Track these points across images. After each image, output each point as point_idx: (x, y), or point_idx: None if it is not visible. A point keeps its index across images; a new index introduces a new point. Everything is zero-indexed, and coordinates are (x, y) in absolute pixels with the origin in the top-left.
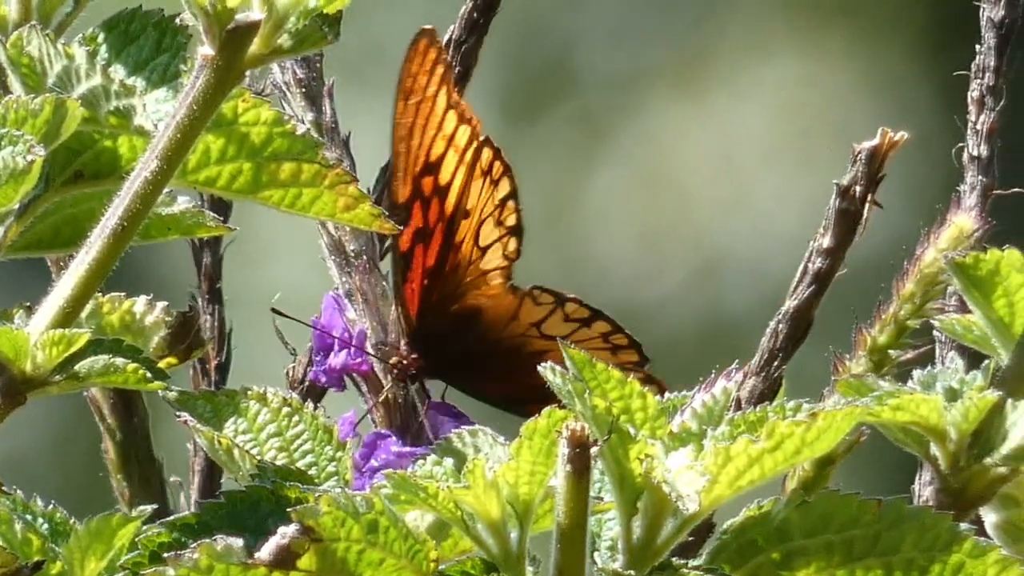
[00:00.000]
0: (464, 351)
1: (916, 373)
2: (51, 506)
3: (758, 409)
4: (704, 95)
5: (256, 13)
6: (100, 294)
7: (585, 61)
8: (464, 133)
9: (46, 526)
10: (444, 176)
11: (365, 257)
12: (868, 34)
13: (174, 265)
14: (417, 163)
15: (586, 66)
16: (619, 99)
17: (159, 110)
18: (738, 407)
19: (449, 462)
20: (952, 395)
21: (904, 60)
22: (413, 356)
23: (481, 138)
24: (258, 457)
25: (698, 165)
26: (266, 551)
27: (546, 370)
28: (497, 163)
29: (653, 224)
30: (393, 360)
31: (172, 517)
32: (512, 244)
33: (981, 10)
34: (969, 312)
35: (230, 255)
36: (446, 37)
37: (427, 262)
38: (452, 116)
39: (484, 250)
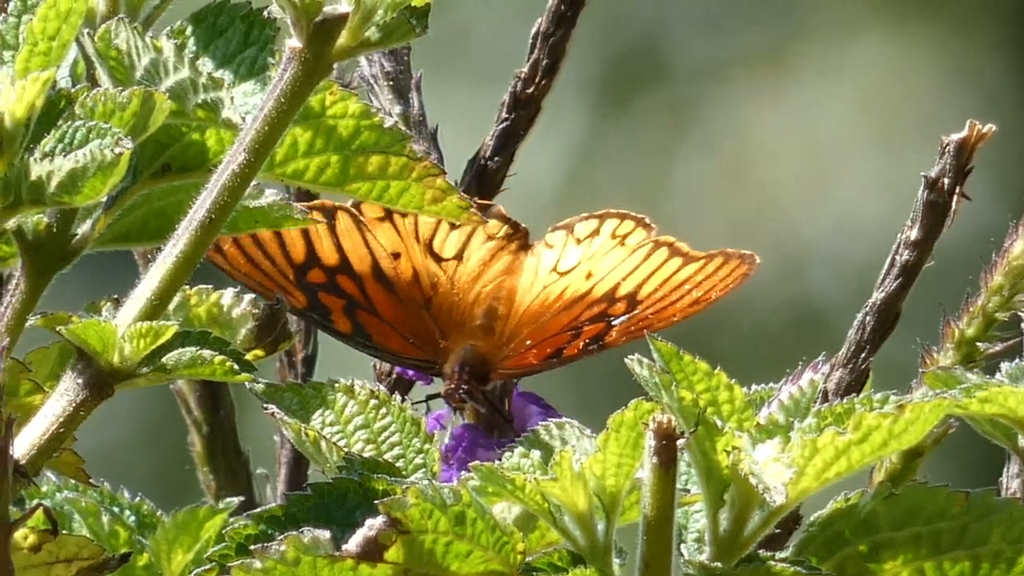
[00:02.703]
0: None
1: (1004, 365)
2: (138, 498)
3: (845, 401)
4: (790, 84)
5: (344, 6)
6: (187, 286)
7: (672, 51)
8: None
9: (133, 518)
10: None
11: None
12: (955, 25)
13: None
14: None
15: (673, 56)
16: (706, 88)
17: (247, 103)
18: (825, 399)
19: (536, 454)
20: None
21: (992, 51)
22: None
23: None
24: (345, 449)
25: (785, 155)
26: (353, 543)
27: (633, 362)
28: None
29: (740, 214)
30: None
31: (259, 509)
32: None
33: None
34: None
35: None
36: (533, 29)
37: None
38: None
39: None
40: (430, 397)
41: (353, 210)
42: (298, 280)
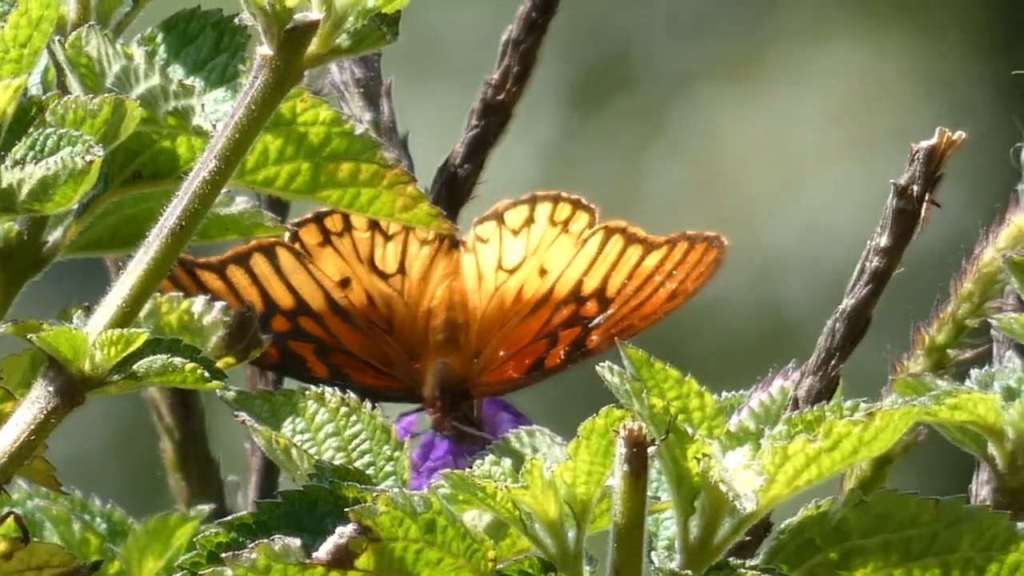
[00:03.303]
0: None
1: (974, 372)
2: (109, 506)
3: (815, 408)
4: (761, 90)
5: (315, 13)
6: (158, 294)
7: (643, 57)
8: None
9: (104, 526)
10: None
11: None
12: (926, 32)
13: None
14: None
15: (644, 62)
16: (677, 95)
17: (217, 110)
18: (795, 406)
19: (507, 462)
20: (1010, 394)
21: (962, 58)
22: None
23: None
24: (316, 457)
25: (755, 160)
26: (324, 551)
27: (604, 369)
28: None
29: (711, 220)
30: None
31: (230, 517)
32: None
33: None
34: None
35: None
36: (504, 36)
37: None
38: None
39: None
40: (403, 415)
41: (289, 244)
42: (264, 316)
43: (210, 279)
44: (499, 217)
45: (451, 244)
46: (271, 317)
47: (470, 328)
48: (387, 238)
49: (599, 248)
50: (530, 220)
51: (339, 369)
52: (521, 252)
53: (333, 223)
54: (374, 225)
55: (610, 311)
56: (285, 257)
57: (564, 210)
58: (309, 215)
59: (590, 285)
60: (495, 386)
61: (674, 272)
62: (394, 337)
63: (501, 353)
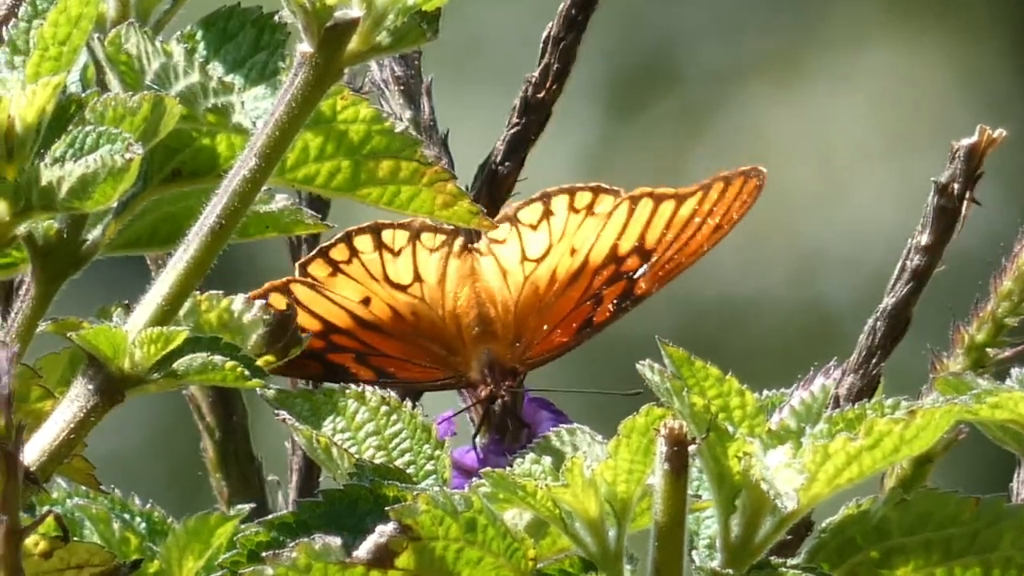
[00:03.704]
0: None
1: (1015, 371)
2: (149, 505)
3: (856, 407)
4: (802, 90)
5: (355, 11)
6: (198, 292)
7: (684, 56)
8: None
9: (144, 525)
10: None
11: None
12: (966, 30)
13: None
14: None
15: (685, 61)
16: (717, 94)
17: (257, 108)
18: (836, 405)
19: (547, 460)
20: None
21: (1002, 56)
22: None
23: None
24: (356, 456)
25: (796, 160)
26: (364, 550)
27: (644, 368)
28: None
29: (752, 219)
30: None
31: (270, 516)
32: None
33: None
34: None
35: None
36: (544, 33)
37: None
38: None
39: None
40: (443, 416)
41: (301, 279)
42: (302, 353)
43: None
44: (511, 218)
45: (462, 247)
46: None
47: (506, 319)
48: (395, 254)
49: (628, 215)
50: (548, 213)
51: (383, 370)
52: (545, 242)
53: (339, 253)
54: (380, 245)
55: (653, 259)
56: (301, 291)
57: (584, 197)
58: (313, 252)
59: (626, 246)
60: (544, 355)
61: (714, 209)
62: (427, 338)
63: (544, 328)
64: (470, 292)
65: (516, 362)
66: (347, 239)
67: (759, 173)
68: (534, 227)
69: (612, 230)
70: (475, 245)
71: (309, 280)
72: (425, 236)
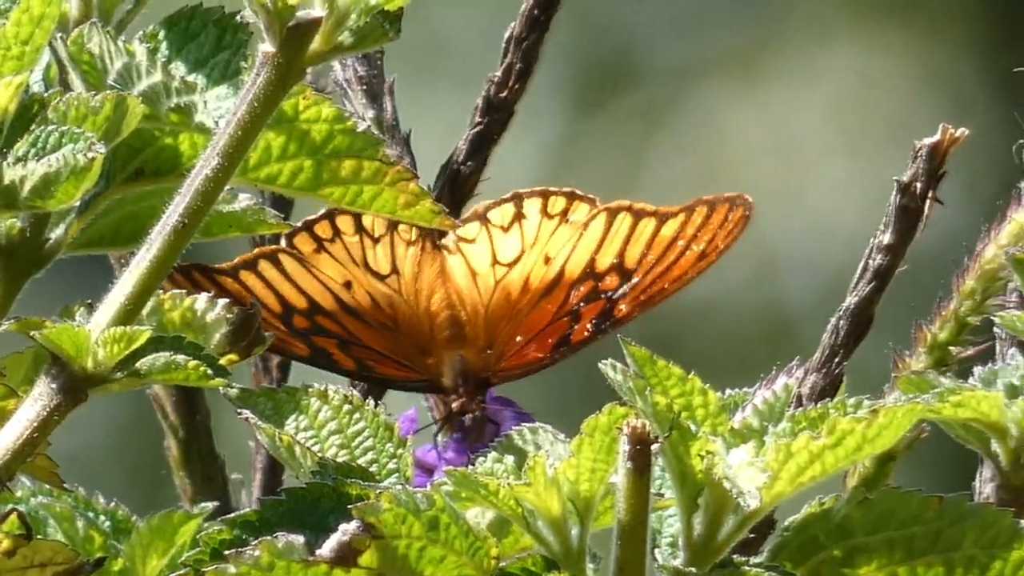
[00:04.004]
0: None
1: (977, 370)
2: (113, 503)
3: (819, 406)
4: (763, 87)
5: (317, 10)
6: (161, 291)
7: (645, 54)
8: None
9: (108, 523)
10: None
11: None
12: (928, 29)
13: None
14: None
15: (646, 59)
16: (679, 92)
17: (220, 107)
18: (799, 404)
19: (510, 459)
20: (1013, 392)
21: (963, 55)
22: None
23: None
24: (319, 454)
25: (757, 158)
26: (327, 548)
27: (607, 367)
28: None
29: None
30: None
31: (234, 514)
32: None
33: None
34: None
35: None
36: (507, 34)
37: None
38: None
39: None
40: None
41: (289, 250)
42: (289, 330)
43: (228, 283)
44: (481, 217)
45: (433, 246)
46: (291, 317)
47: (476, 323)
48: (375, 241)
49: (605, 228)
50: (520, 215)
51: (363, 362)
52: (517, 246)
53: (323, 230)
54: (360, 229)
55: (634, 280)
56: (288, 262)
57: (558, 202)
58: (299, 224)
59: (604, 262)
60: (518, 369)
61: (698, 235)
62: (403, 334)
63: (518, 339)
64: (442, 292)
65: (488, 371)
66: (330, 217)
67: (745, 202)
68: (505, 229)
69: (589, 242)
70: (443, 242)
71: (296, 252)
72: (402, 227)
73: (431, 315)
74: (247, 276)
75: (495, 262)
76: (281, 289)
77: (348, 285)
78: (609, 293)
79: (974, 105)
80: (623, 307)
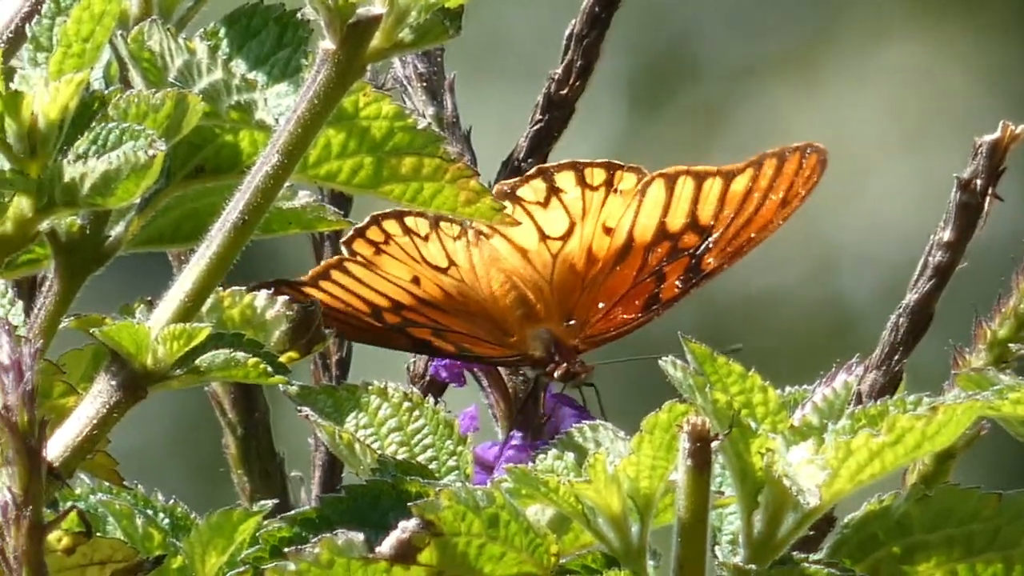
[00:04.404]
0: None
1: None
2: (172, 501)
3: (879, 403)
4: (822, 85)
5: (377, 7)
6: (221, 288)
7: (705, 52)
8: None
9: (167, 521)
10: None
11: None
12: (987, 25)
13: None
14: None
15: (706, 57)
16: (738, 90)
17: (280, 104)
18: (858, 401)
19: (570, 456)
20: None
21: (1021, 52)
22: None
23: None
24: (379, 451)
25: None
26: (387, 545)
27: (667, 364)
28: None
29: None
30: (561, 372)
31: (293, 512)
32: None
33: None
34: None
35: None
36: (567, 31)
37: None
38: None
39: None
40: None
41: (351, 257)
42: (385, 327)
43: (313, 292)
44: (511, 196)
45: (476, 233)
46: (380, 314)
47: (545, 298)
48: (424, 239)
49: (667, 192)
50: (555, 190)
51: (460, 345)
52: (564, 220)
53: (374, 234)
54: (407, 230)
55: (715, 235)
56: (356, 269)
57: (597, 174)
58: (350, 232)
59: (676, 223)
60: (610, 331)
61: (774, 184)
62: (481, 317)
63: (600, 306)
64: (501, 275)
65: (575, 339)
66: (376, 222)
67: (818, 149)
68: (543, 204)
69: (652, 208)
70: (478, 227)
71: (360, 259)
72: (444, 224)
73: (498, 298)
74: (327, 284)
75: (544, 237)
76: (361, 292)
77: (416, 281)
78: (690, 250)
79: None
80: (711, 260)
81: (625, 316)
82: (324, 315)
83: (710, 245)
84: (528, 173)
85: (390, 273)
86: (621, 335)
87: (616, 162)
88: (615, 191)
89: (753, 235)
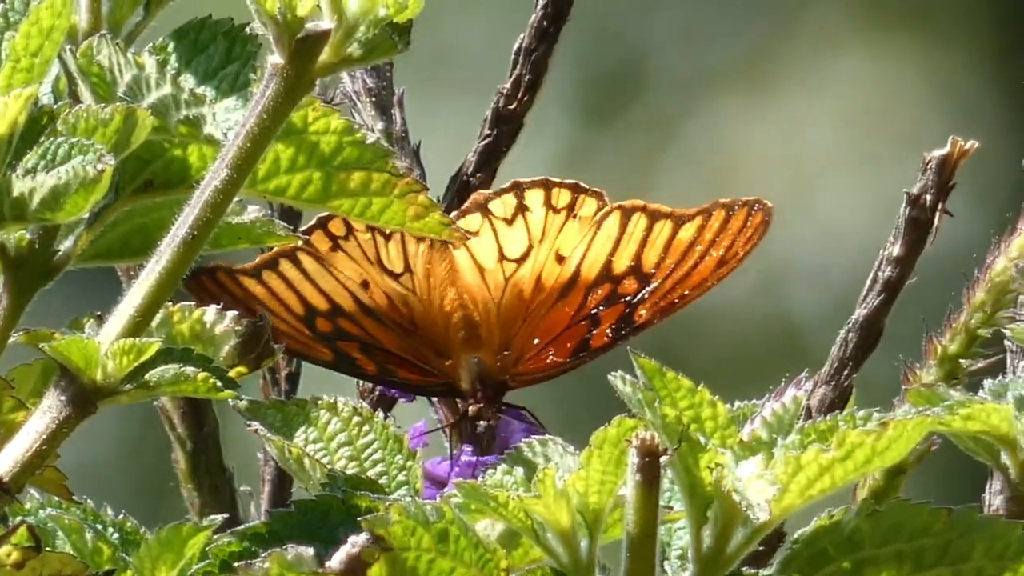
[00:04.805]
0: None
1: (987, 382)
2: (121, 515)
3: (828, 418)
4: (772, 98)
5: (326, 22)
6: (170, 303)
7: (654, 66)
8: None
9: (116, 535)
10: None
11: None
12: (936, 39)
13: None
14: None
15: (655, 70)
16: (688, 103)
17: (229, 119)
18: (808, 416)
19: (519, 471)
20: (1023, 404)
21: (971, 66)
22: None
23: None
24: (328, 466)
25: (766, 168)
26: (337, 560)
27: (616, 379)
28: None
29: None
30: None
31: (243, 526)
32: None
33: None
34: None
35: None
36: (516, 45)
37: None
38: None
39: None
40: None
41: (307, 248)
42: (313, 334)
43: (251, 284)
44: (482, 208)
45: (442, 242)
46: (314, 319)
47: (489, 322)
48: (387, 238)
49: (620, 228)
50: (522, 208)
51: (384, 366)
52: (523, 241)
53: (336, 227)
54: (372, 227)
55: (653, 286)
56: (308, 262)
57: (563, 195)
58: (313, 222)
59: (621, 265)
60: (537, 373)
61: (717, 240)
62: (420, 335)
63: (536, 341)
64: (454, 290)
65: (506, 373)
66: (338, 216)
67: (764, 207)
68: (509, 222)
69: (604, 242)
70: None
71: (314, 251)
72: None
73: (445, 315)
74: (269, 277)
75: (502, 257)
76: (303, 290)
77: (365, 285)
78: (628, 298)
79: (983, 116)
80: (643, 312)
81: (555, 358)
82: (250, 309)
83: (646, 295)
84: (504, 186)
85: (341, 272)
86: (546, 378)
87: (583, 185)
88: (574, 216)
89: (687, 292)
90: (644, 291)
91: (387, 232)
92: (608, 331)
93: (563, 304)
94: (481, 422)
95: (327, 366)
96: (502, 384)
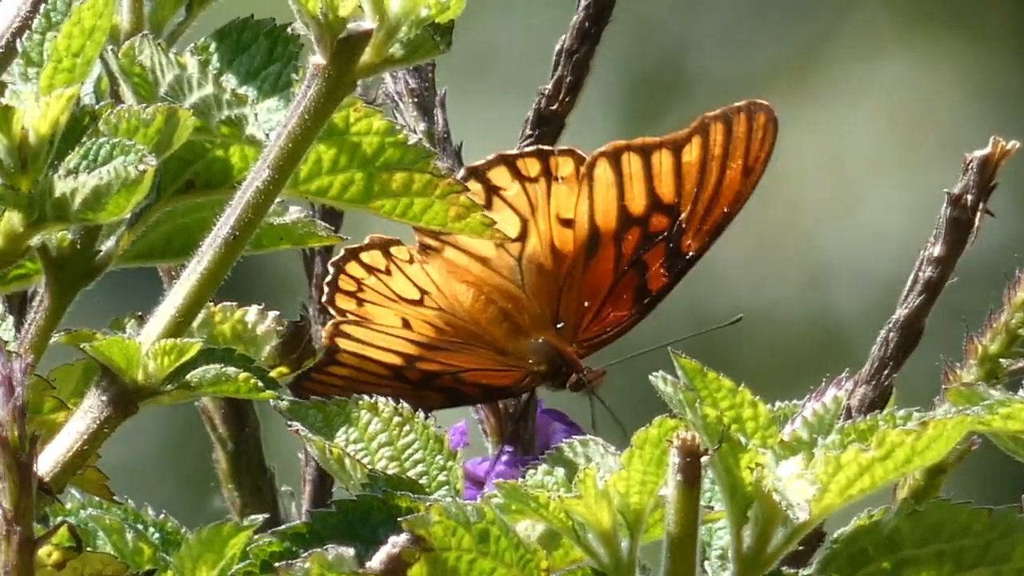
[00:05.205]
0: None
1: None
2: (162, 515)
3: (868, 418)
4: (814, 100)
5: (368, 22)
6: (212, 303)
7: (696, 68)
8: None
9: (157, 535)
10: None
11: None
12: (979, 41)
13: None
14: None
15: (697, 73)
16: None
17: (270, 119)
18: (848, 416)
19: (560, 472)
20: None
21: (1013, 68)
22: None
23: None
24: (369, 466)
25: (807, 170)
26: (377, 560)
27: (658, 379)
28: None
29: (763, 230)
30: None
31: (283, 526)
32: None
33: None
34: None
35: None
36: (557, 46)
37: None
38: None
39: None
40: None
41: (343, 319)
42: (413, 386)
43: (338, 370)
44: None
45: (421, 250)
46: (403, 374)
47: (522, 305)
48: (387, 273)
49: (615, 173)
50: (493, 189)
51: (480, 383)
52: (513, 220)
53: (346, 283)
54: (369, 269)
55: (685, 214)
56: (354, 330)
57: (531, 165)
58: (327, 289)
59: (637, 206)
60: (606, 332)
61: (729, 150)
62: (477, 343)
63: (586, 304)
64: (469, 289)
65: (573, 342)
66: (340, 271)
67: (761, 106)
68: (486, 207)
69: (606, 192)
70: (426, 243)
71: (350, 317)
72: (394, 250)
73: (478, 315)
74: (346, 359)
75: (499, 242)
76: (371, 355)
77: (406, 324)
78: (664, 233)
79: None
80: (690, 242)
81: (617, 314)
82: (351, 389)
83: (683, 226)
84: (460, 175)
85: (382, 324)
86: (619, 335)
87: (544, 148)
88: (556, 179)
89: (726, 209)
90: (678, 222)
91: (382, 268)
92: (662, 270)
93: (596, 262)
94: (586, 388)
95: (445, 407)
96: (575, 354)
